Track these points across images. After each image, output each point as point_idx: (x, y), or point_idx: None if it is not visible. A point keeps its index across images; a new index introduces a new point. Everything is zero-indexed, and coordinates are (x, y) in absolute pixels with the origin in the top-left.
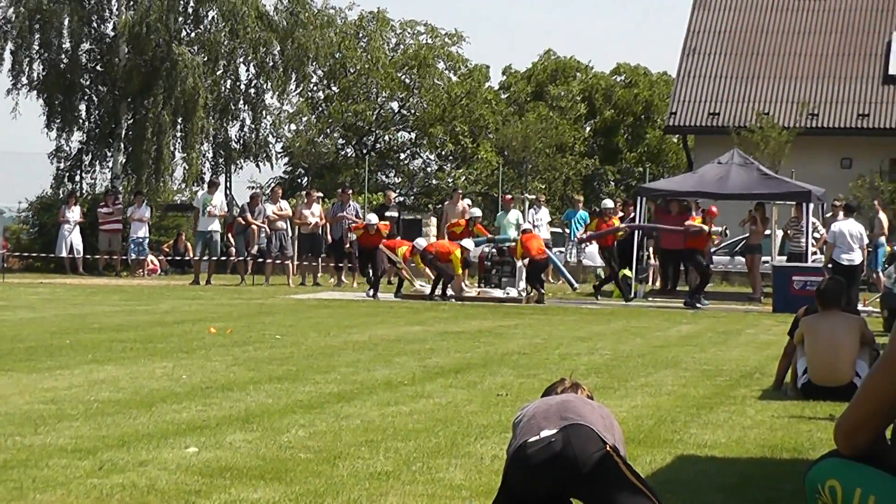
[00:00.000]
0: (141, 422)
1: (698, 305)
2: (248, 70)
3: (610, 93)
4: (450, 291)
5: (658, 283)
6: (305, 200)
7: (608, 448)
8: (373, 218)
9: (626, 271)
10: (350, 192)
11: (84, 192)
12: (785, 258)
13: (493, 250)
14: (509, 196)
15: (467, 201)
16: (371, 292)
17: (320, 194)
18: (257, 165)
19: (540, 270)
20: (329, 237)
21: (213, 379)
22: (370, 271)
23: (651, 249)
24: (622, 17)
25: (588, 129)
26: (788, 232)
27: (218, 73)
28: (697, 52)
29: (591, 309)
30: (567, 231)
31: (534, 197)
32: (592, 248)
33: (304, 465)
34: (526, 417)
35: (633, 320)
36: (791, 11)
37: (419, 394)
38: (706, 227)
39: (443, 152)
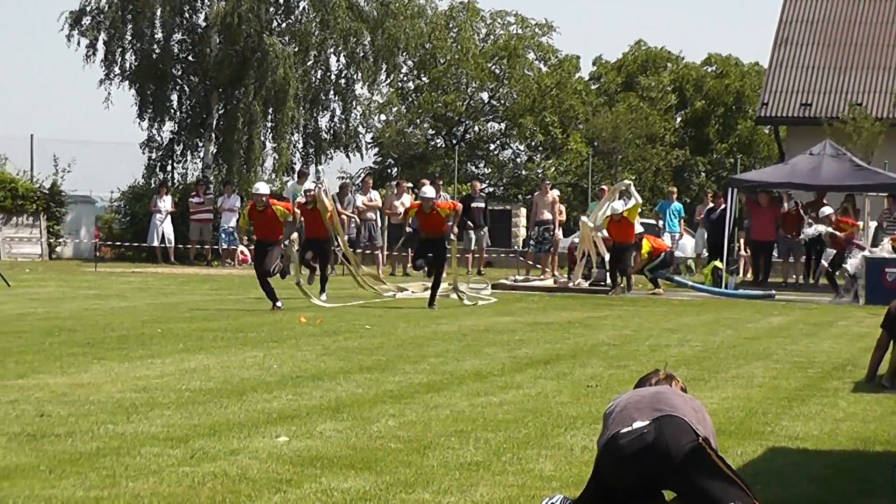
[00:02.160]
0: (232, 411)
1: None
2: (338, 60)
3: (701, 83)
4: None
5: (750, 275)
6: (395, 191)
7: (700, 439)
8: (262, 187)
9: (717, 262)
10: (440, 182)
11: (175, 181)
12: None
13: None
14: (604, 187)
15: (556, 192)
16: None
17: (410, 185)
18: (347, 156)
19: (623, 256)
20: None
21: (303, 368)
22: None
23: (742, 241)
24: (714, 7)
25: (679, 119)
26: (883, 224)
27: (308, 63)
28: (790, 42)
29: (681, 300)
30: (661, 222)
31: (625, 188)
32: (683, 239)
33: (394, 455)
34: (618, 408)
35: (724, 311)
36: (884, 1)
37: (509, 384)
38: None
39: (532, 143)
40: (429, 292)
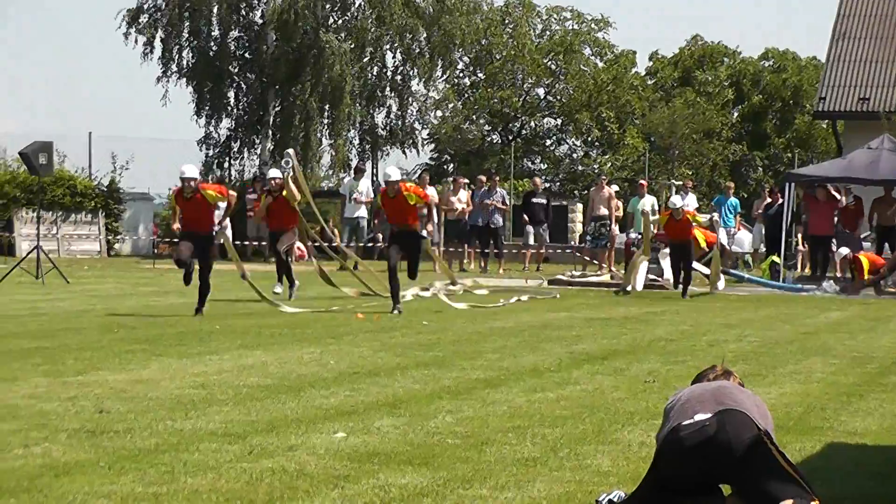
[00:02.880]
0: (290, 407)
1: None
2: (394, 57)
3: (758, 78)
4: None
5: (807, 269)
6: (452, 187)
7: (762, 434)
8: (188, 170)
9: (775, 257)
10: (497, 178)
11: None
12: None
13: (640, 236)
14: (643, 182)
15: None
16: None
17: (466, 181)
18: (403, 152)
19: (683, 254)
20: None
21: (360, 364)
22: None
23: (800, 235)
24: (771, 2)
25: (736, 114)
26: None
27: (364, 59)
28: (847, 36)
29: (738, 296)
30: (717, 218)
31: (680, 183)
32: (740, 234)
33: (451, 451)
34: (680, 402)
35: (782, 307)
36: None
37: (566, 380)
38: None
39: (589, 138)
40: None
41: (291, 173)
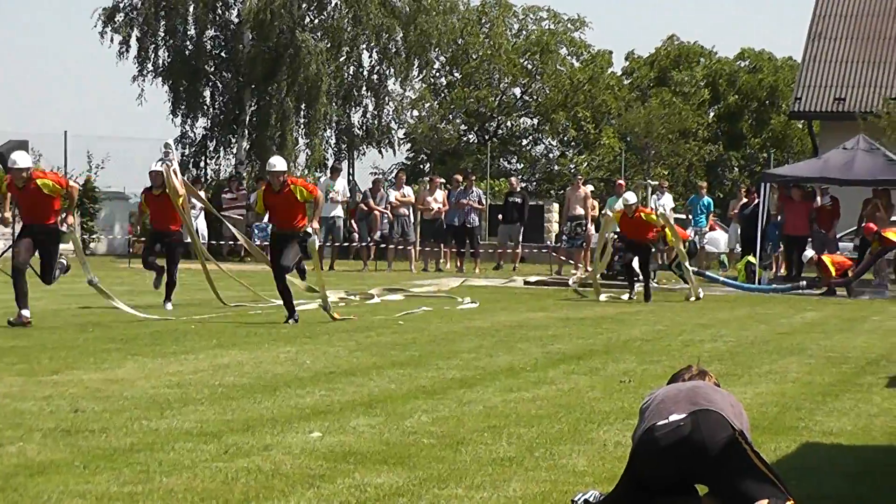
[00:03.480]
0: (265, 406)
1: None
2: (370, 56)
3: (734, 78)
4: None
5: (783, 270)
6: (428, 186)
7: (736, 433)
8: (20, 158)
9: (751, 258)
10: (473, 177)
11: (208, 177)
12: None
13: (615, 235)
14: (620, 182)
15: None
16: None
17: (443, 180)
18: (380, 151)
19: (640, 254)
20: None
21: (336, 364)
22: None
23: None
24: (747, 2)
25: (712, 114)
26: None
27: (341, 59)
28: (823, 36)
29: (714, 296)
30: (690, 217)
31: (656, 183)
32: (716, 234)
33: (427, 451)
34: (654, 402)
35: (758, 307)
36: None
37: (542, 380)
38: None
39: (565, 138)
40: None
41: (172, 165)
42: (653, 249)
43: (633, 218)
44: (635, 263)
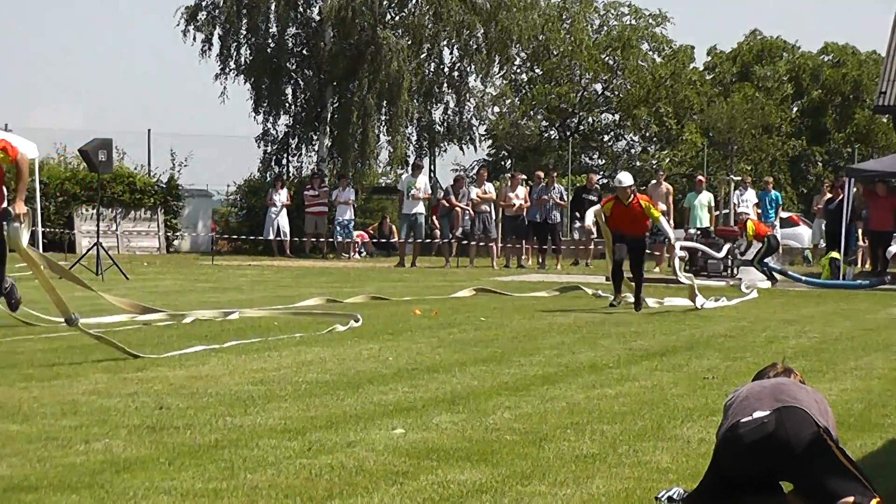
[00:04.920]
0: (348, 403)
1: None
2: (451, 53)
3: (817, 72)
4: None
5: (868, 265)
6: (510, 183)
7: (821, 431)
8: None
9: (835, 253)
10: (554, 174)
11: (290, 175)
12: None
13: (699, 231)
14: (700, 178)
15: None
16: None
17: (524, 177)
18: (461, 148)
19: (633, 253)
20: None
21: (419, 360)
22: None
23: (860, 231)
24: None
25: (795, 109)
26: None
27: (422, 56)
28: None
29: (798, 291)
30: (759, 211)
31: (739, 178)
32: (799, 229)
33: (510, 447)
34: (739, 399)
35: (843, 303)
36: None
37: (624, 376)
38: None
39: (647, 134)
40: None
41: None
42: (646, 247)
43: (628, 207)
44: (626, 265)
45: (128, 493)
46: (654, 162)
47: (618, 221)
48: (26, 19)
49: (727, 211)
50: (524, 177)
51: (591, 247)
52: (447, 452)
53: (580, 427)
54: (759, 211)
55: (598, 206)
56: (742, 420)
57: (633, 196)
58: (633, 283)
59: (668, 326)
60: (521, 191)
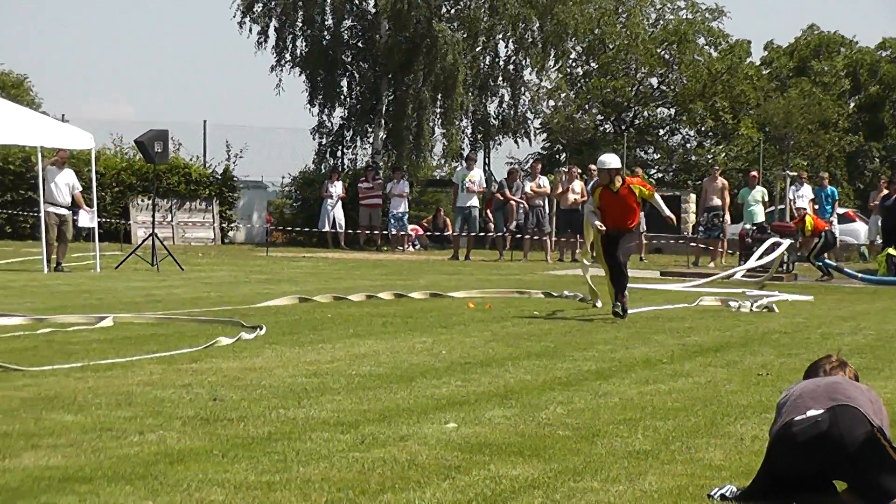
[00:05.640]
0: (401, 396)
1: None
2: (507, 46)
3: (875, 68)
4: None
5: None
6: (566, 177)
7: (875, 430)
8: None
9: (891, 249)
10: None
11: (345, 167)
12: None
13: (754, 227)
14: (754, 173)
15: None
16: None
17: (579, 170)
18: (516, 141)
19: (617, 248)
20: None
21: (472, 354)
22: None
23: None
24: None
25: (852, 104)
26: None
27: (477, 49)
28: None
29: (854, 288)
30: (815, 207)
31: (795, 174)
32: (855, 225)
33: (562, 443)
34: (792, 397)
35: None
36: None
37: (678, 372)
38: None
39: (703, 128)
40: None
41: None
42: (634, 241)
43: (617, 193)
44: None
45: (181, 484)
46: (709, 157)
47: (606, 212)
48: (84, 12)
49: (783, 206)
50: (579, 170)
51: (644, 241)
52: (499, 447)
53: (633, 423)
54: (816, 206)
55: (591, 205)
56: (796, 419)
57: (621, 181)
58: (617, 282)
59: (723, 322)
60: (578, 185)
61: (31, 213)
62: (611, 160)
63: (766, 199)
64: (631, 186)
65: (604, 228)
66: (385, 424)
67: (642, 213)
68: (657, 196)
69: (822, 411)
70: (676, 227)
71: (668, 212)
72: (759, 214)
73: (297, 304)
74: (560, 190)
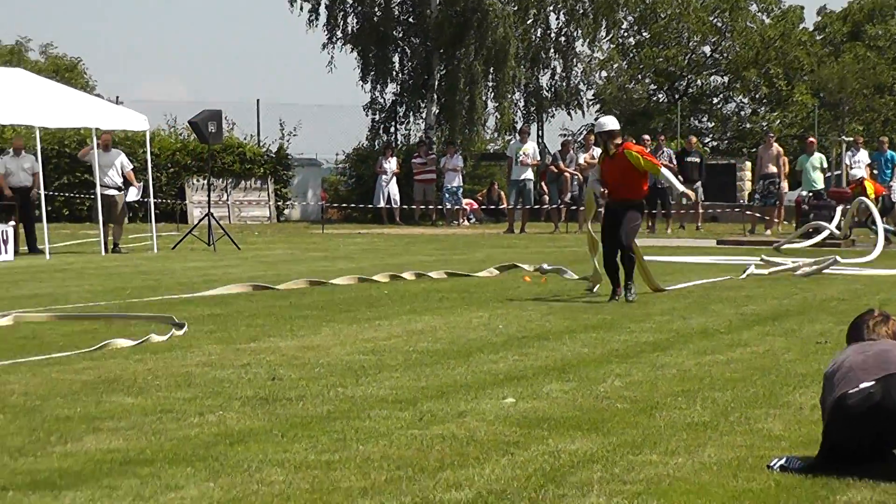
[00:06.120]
0: (459, 372)
1: None
2: (558, 18)
3: None
4: None
5: None
6: None
7: None
8: None
9: None
10: (662, 137)
11: (399, 143)
12: None
13: (810, 194)
14: (811, 139)
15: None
16: None
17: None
18: (569, 113)
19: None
20: None
21: (528, 328)
22: None
23: None
24: None
25: None
26: None
27: (528, 21)
28: None
29: None
30: (875, 172)
31: (851, 139)
32: None
33: (620, 416)
34: (843, 369)
35: None
36: None
37: (736, 342)
38: None
39: (756, 95)
40: None
41: None
42: (639, 216)
43: (614, 159)
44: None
45: (241, 465)
46: (764, 124)
47: (607, 182)
48: None
49: (839, 172)
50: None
51: (700, 210)
52: (557, 422)
53: (691, 395)
54: (875, 171)
55: (595, 173)
56: (849, 391)
57: (615, 146)
58: (624, 266)
59: (780, 290)
60: None
61: (87, 196)
62: (605, 122)
63: (825, 165)
64: (626, 153)
65: (603, 190)
66: (443, 401)
67: (699, 183)
68: (665, 171)
69: (873, 382)
70: (694, 201)
71: (681, 187)
72: (819, 181)
73: (351, 282)
74: None
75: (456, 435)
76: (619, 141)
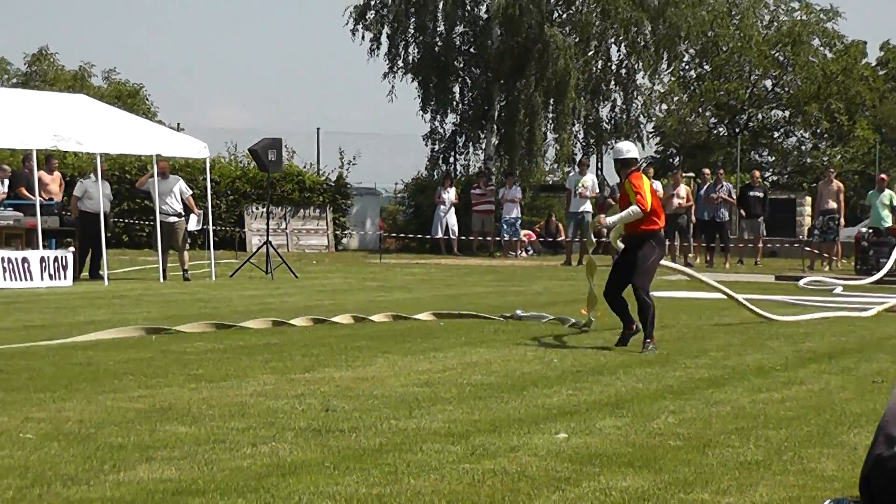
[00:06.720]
0: (512, 406)
1: None
2: (619, 50)
3: None
4: None
5: None
6: (672, 181)
7: None
8: None
9: None
10: (722, 171)
11: (458, 173)
12: None
13: (870, 230)
14: (883, 175)
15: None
16: None
17: (691, 174)
18: None
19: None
20: (693, 217)
21: (583, 363)
22: None
23: None
24: None
25: None
26: None
27: (589, 53)
28: None
29: None
30: None
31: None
32: None
33: (673, 453)
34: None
35: None
36: None
37: (792, 380)
38: None
39: (818, 130)
40: None
41: None
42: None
43: (623, 190)
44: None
45: (293, 497)
46: (824, 159)
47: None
48: (199, 20)
49: None
50: (692, 174)
51: (760, 245)
52: (610, 458)
53: (745, 432)
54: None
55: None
56: (884, 455)
57: (626, 175)
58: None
59: (838, 328)
60: (683, 189)
61: (146, 222)
62: (621, 148)
63: (895, 202)
64: (625, 184)
65: (621, 247)
66: (496, 435)
67: (761, 218)
68: (631, 209)
69: None
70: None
71: (605, 220)
72: (888, 219)
73: (409, 313)
74: (667, 195)
75: (507, 470)
76: (622, 168)
